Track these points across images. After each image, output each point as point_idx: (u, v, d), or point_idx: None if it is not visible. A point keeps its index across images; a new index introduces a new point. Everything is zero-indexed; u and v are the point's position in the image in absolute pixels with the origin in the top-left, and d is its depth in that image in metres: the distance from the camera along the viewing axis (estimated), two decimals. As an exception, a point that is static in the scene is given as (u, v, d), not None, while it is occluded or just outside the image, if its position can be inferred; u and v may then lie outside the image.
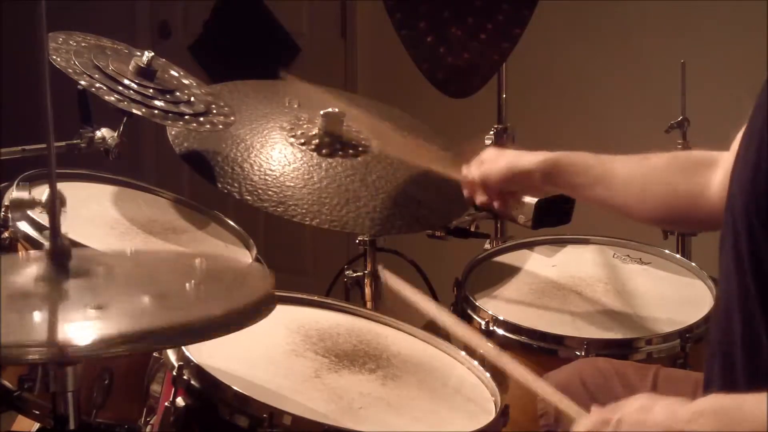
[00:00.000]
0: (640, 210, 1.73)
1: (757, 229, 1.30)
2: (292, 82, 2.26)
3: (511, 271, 2.15)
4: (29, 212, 1.76)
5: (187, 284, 1.29)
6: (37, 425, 1.89)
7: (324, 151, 2.10)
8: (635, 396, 1.34)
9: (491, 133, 2.62)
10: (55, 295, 1.23)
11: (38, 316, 1.17)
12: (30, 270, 1.28)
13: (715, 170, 1.64)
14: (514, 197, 1.91)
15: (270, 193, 1.98)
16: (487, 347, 1.62)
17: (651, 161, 1.74)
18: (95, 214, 2.03)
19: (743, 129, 1.52)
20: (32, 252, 1.36)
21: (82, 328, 1.15)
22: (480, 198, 1.90)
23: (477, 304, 1.98)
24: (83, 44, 2.01)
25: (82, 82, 1.88)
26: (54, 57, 1.87)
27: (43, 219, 1.73)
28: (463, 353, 1.73)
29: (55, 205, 1.27)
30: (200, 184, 2.04)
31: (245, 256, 2.04)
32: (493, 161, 1.86)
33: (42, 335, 1.15)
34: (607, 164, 1.76)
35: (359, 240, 2.33)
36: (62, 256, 1.27)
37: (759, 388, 1.23)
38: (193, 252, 1.52)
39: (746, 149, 1.36)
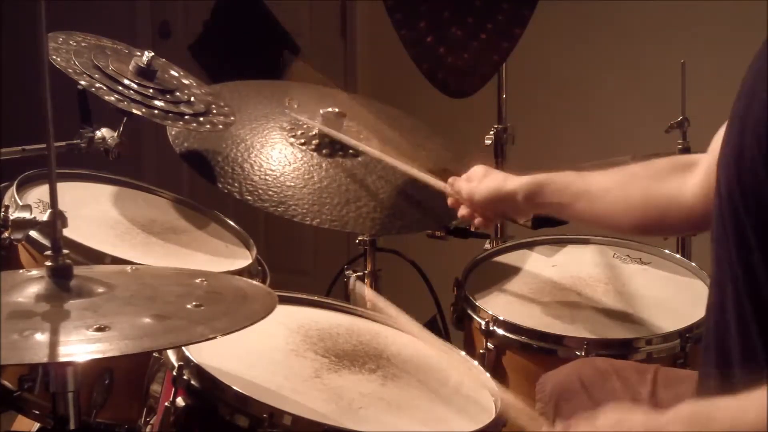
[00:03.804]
0: (620, 220, 1.74)
1: (742, 211, 1.30)
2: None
3: (511, 271, 2.15)
4: (29, 215, 1.77)
5: (189, 306, 1.29)
6: (37, 425, 1.89)
7: (324, 151, 2.10)
8: (608, 407, 1.31)
9: (491, 133, 2.62)
10: (56, 315, 1.23)
11: (39, 336, 1.17)
12: (31, 289, 1.28)
13: (691, 172, 1.65)
14: (497, 218, 1.95)
15: (270, 193, 1.98)
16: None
17: (627, 171, 1.76)
18: (95, 214, 2.03)
19: (721, 128, 1.53)
20: (33, 271, 1.36)
21: (82, 350, 1.15)
22: (462, 211, 1.93)
23: (477, 304, 1.98)
24: (83, 44, 2.01)
25: (82, 82, 1.88)
26: (54, 57, 1.87)
27: (43, 218, 1.73)
28: (462, 353, 1.74)
29: (55, 225, 1.27)
30: (200, 184, 2.04)
31: (245, 256, 2.04)
32: (479, 181, 1.89)
33: (43, 356, 1.15)
34: (585, 179, 1.78)
35: (359, 240, 2.33)
36: (63, 275, 1.28)
37: (753, 378, 1.24)
38: (195, 271, 1.51)
39: (729, 136, 1.36)
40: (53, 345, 1.17)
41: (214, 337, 1.23)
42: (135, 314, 1.26)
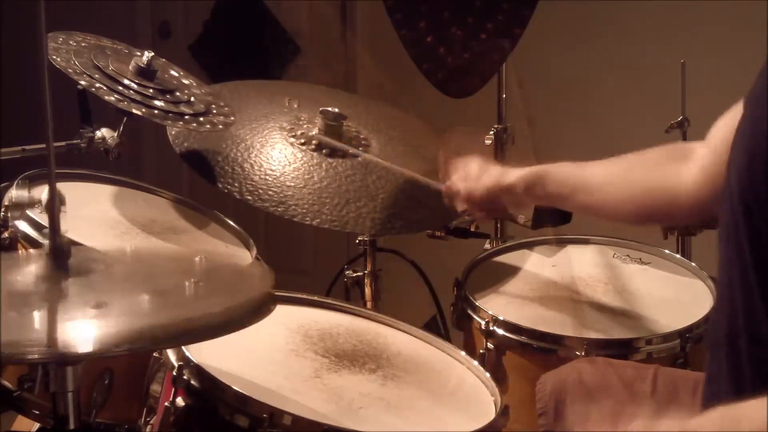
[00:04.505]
0: (620, 210, 1.75)
1: (756, 215, 1.30)
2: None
3: (511, 271, 2.15)
4: (29, 212, 1.77)
5: (187, 282, 1.29)
6: (37, 425, 1.89)
7: (324, 151, 2.10)
8: (636, 412, 1.33)
9: (491, 133, 2.62)
10: (55, 294, 1.23)
11: (38, 315, 1.17)
12: (30, 269, 1.28)
13: (689, 161, 1.65)
14: (498, 212, 1.95)
15: (270, 193, 1.98)
16: None
17: (626, 161, 1.76)
18: (95, 214, 2.03)
19: (721, 118, 1.53)
20: (32, 251, 1.36)
21: (81, 327, 1.15)
22: (461, 207, 1.93)
23: (477, 304, 1.98)
24: (83, 44, 2.01)
25: (82, 82, 1.88)
26: (54, 57, 1.87)
27: (43, 219, 1.74)
28: (463, 353, 1.74)
29: (54, 204, 1.27)
30: (200, 184, 2.04)
31: (245, 256, 2.04)
32: (476, 179, 1.89)
33: (42, 334, 1.15)
34: (585, 170, 1.78)
35: (359, 240, 2.33)
36: (62, 255, 1.28)
37: (764, 379, 1.24)
38: (193, 250, 1.51)
39: (742, 137, 1.36)
40: (51, 322, 1.17)
41: (213, 314, 1.22)
42: (133, 292, 1.26)
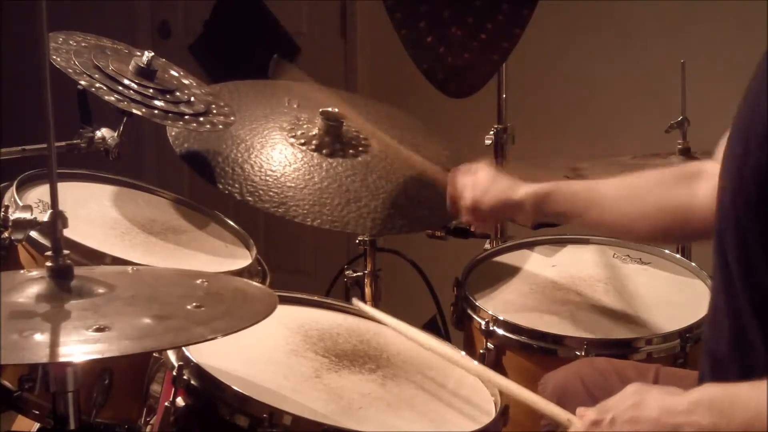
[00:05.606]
0: (632, 229, 1.74)
1: (744, 222, 1.30)
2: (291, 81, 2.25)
3: (511, 271, 2.15)
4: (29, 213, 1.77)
5: (189, 306, 1.29)
6: (37, 425, 1.89)
7: (324, 151, 2.10)
8: (625, 389, 1.34)
9: (491, 133, 2.62)
10: (57, 315, 1.23)
11: (39, 337, 1.17)
12: (31, 289, 1.28)
13: (701, 179, 1.64)
14: (501, 222, 1.95)
15: (271, 194, 1.98)
16: (472, 365, 1.65)
17: (638, 180, 1.75)
18: (95, 214, 2.03)
19: (726, 134, 1.54)
20: (34, 271, 1.36)
21: (82, 351, 1.15)
22: (465, 216, 1.91)
23: (477, 304, 1.98)
24: (83, 44, 2.01)
25: (82, 82, 1.88)
26: (54, 57, 1.87)
27: (43, 219, 1.73)
28: (462, 353, 1.73)
29: (56, 226, 1.27)
30: (200, 184, 2.04)
31: (245, 256, 2.04)
32: (484, 191, 1.86)
33: (43, 356, 1.15)
34: (594, 188, 1.77)
35: (359, 240, 2.33)
36: (64, 276, 1.28)
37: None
38: (196, 272, 1.51)
39: (733, 143, 1.36)
40: (53, 345, 1.17)
41: (214, 338, 1.24)
42: (135, 315, 1.26)
